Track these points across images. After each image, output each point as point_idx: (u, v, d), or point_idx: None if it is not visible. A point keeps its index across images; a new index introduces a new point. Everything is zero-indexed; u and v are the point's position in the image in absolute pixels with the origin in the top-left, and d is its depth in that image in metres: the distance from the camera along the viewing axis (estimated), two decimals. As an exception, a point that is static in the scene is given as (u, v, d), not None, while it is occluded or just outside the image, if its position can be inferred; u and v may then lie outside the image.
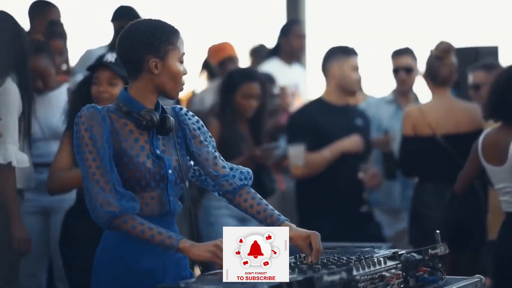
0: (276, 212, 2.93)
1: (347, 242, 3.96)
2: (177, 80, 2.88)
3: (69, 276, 4.16)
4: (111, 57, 3.96)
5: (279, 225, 2.87)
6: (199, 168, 3.02)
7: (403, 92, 6.05)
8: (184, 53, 2.90)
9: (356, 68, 5.43)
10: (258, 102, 5.14)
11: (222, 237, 2.65)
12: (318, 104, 5.50)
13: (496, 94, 4.26)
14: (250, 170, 3.03)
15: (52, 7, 5.76)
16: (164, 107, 2.96)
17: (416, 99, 6.14)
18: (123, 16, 5.84)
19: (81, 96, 3.98)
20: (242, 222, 5.04)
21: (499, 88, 4.26)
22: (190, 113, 3.03)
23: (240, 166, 3.03)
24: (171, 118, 2.91)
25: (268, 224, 2.91)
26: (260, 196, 2.98)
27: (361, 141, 5.35)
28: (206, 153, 2.96)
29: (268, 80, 6.31)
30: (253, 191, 2.99)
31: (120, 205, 2.75)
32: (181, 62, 2.89)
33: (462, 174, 4.54)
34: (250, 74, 5.22)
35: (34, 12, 5.74)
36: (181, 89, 2.91)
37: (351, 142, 5.33)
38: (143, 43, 2.84)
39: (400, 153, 5.41)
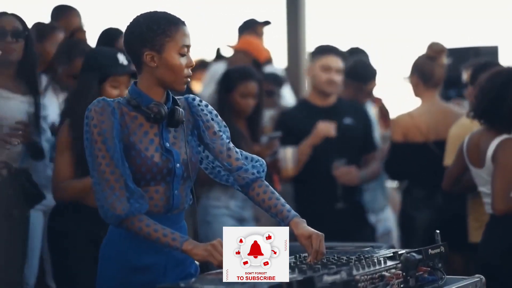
0: (287, 207, 2.90)
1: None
2: (176, 73, 2.84)
3: (55, 272, 4.16)
4: (123, 59, 3.97)
5: (288, 222, 2.86)
6: (213, 160, 3.00)
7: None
8: (186, 45, 2.84)
9: (327, 68, 5.35)
10: (256, 101, 5.15)
11: (219, 237, 2.67)
12: (301, 106, 5.51)
13: (487, 98, 4.21)
14: (263, 162, 3.00)
15: (72, 10, 5.98)
16: (177, 97, 2.94)
17: None
18: None
19: (86, 96, 3.93)
20: (241, 222, 5.04)
21: (491, 92, 4.21)
22: (204, 102, 3.00)
23: (255, 157, 3.00)
24: (181, 110, 2.88)
25: (279, 220, 2.90)
26: (272, 190, 2.95)
27: (326, 127, 5.28)
28: (220, 145, 2.94)
29: (272, 80, 6.31)
30: (266, 184, 2.96)
31: (126, 208, 2.74)
32: (182, 54, 2.84)
33: (448, 172, 4.55)
34: (247, 73, 5.21)
35: (55, 16, 5.98)
36: (185, 82, 2.86)
37: (316, 137, 5.29)
38: (139, 37, 2.83)
39: (387, 158, 5.36)
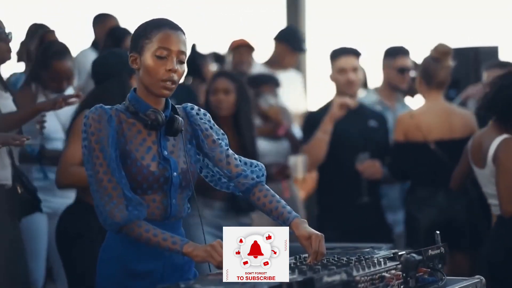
0: (287, 209, 2.90)
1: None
2: (151, 75, 2.80)
3: (68, 274, 4.17)
4: None
5: (289, 224, 2.86)
6: (213, 168, 3.00)
7: (394, 92, 5.99)
8: (164, 47, 2.79)
9: (342, 70, 5.42)
10: (231, 98, 5.06)
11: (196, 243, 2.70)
12: (328, 107, 5.51)
13: (502, 91, 4.22)
14: (263, 166, 2.99)
15: (111, 17, 6.44)
16: (176, 106, 2.93)
17: (399, 99, 6.06)
18: None
19: (121, 92, 3.90)
20: (219, 229, 4.99)
21: (493, 88, 4.24)
22: (202, 111, 2.99)
23: (254, 161, 2.99)
24: (180, 118, 2.87)
25: (280, 223, 2.90)
26: (272, 193, 2.95)
27: (344, 101, 5.33)
28: (219, 153, 2.93)
29: (270, 81, 6.31)
30: (266, 188, 2.96)
31: (124, 215, 2.74)
32: (159, 56, 2.79)
33: (455, 172, 4.57)
34: (220, 71, 5.20)
35: (95, 22, 6.50)
36: (163, 86, 2.80)
37: (334, 109, 5.31)
38: (131, 40, 2.88)
39: (391, 158, 5.39)
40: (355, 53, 5.50)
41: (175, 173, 2.86)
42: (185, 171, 2.88)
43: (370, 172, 5.32)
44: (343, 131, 5.33)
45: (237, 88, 5.09)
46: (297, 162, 5.22)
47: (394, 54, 5.95)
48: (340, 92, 5.48)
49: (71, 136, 4.09)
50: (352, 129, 5.36)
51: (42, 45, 4.70)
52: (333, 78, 5.51)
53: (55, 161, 4.32)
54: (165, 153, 2.86)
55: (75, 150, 3.98)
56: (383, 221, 5.51)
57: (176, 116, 2.87)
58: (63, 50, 4.69)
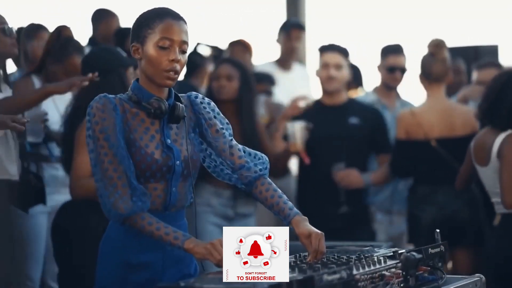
0: (289, 205, 2.88)
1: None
2: (154, 65, 2.80)
3: (61, 269, 4.16)
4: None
5: (290, 220, 2.85)
6: (216, 158, 2.98)
7: (390, 91, 6.00)
8: (167, 38, 2.78)
9: (325, 65, 5.37)
10: (234, 85, 5.08)
11: (202, 233, 2.67)
12: (314, 105, 5.52)
13: (488, 98, 4.31)
14: (266, 159, 2.97)
15: (112, 14, 6.44)
16: (180, 95, 2.93)
17: (398, 97, 6.06)
18: None
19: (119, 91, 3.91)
20: (226, 220, 4.99)
21: (492, 94, 4.31)
22: (206, 100, 2.98)
23: (258, 153, 2.97)
24: (181, 105, 2.86)
25: (281, 218, 2.89)
26: (274, 187, 2.92)
27: (298, 98, 5.35)
28: (223, 143, 2.92)
29: (266, 79, 6.32)
30: (268, 181, 2.93)
31: (128, 207, 2.74)
32: (161, 46, 2.79)
33: (459, 172, 4.59)
34: (224, 58, 5.21)
35: (95, 18, 6.49)
36: (166, 76, 2.80)
37: (288, 108, 5.37)
38: (132, 31, 2.87)
39: (392, 156, 5.38)
40: (342, 51, 5.43)
41: (177, 162, 2.85)
42: (188, 160, 2.87)
43: (347, 182, 5.28)
44: (320, 130, 5.29)
45: (240, 75, 5.11)
46: (295, 129, 5.22)
47: (386, 52, 5.95)
48: (322, 88, 5.45)
49: (77, 148, 4.04)
50: (328, 128, 5.32)
51: (59, 39, 4.68)
52: (318, 73, 5.48)
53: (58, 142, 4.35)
54: (168, 141, 2.86)
55: (84, 161, 3.95)
56: (369, 227, 5.47)
57: (177, 103, 2.86)
58: (81, 48, 4.72)
